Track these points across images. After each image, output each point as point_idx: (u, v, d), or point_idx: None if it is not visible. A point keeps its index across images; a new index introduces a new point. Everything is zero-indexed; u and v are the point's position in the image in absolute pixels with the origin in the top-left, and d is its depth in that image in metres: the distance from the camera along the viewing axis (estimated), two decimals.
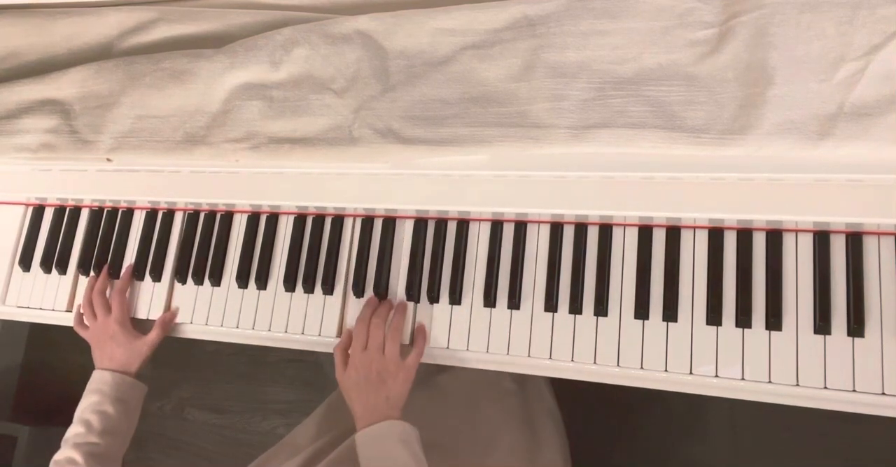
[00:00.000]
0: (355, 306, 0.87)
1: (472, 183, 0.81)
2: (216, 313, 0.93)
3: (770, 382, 0.72)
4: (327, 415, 0.96)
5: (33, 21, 0.99)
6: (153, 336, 0.92)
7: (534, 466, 0.90)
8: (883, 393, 0.69)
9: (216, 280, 0.94)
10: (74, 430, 0.85)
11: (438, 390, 0.97)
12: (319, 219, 0.92)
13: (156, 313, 0.95)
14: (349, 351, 0.81)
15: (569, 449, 1.02)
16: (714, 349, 0.74)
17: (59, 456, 0.83)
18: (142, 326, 0.95)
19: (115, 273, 0.99)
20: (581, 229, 0.81)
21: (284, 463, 0.82)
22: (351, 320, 0.87)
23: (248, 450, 1.87)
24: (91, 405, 0.87)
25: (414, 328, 0.84)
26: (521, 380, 1.02)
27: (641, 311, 0.77)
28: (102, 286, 0.95)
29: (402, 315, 0.83)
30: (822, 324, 0.71)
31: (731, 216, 0.75)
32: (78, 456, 0.81)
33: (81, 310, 0.97)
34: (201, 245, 0.96)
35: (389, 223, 0.88)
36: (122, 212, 1.01)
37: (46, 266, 1.02)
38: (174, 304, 0.95)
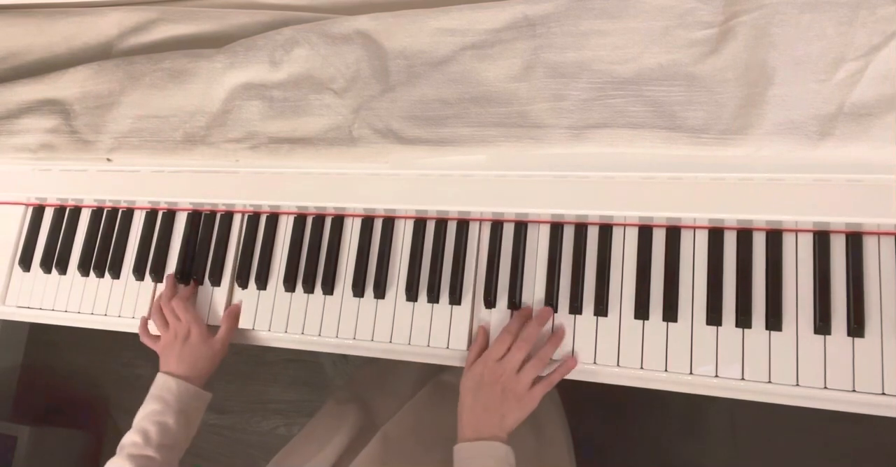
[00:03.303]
0: (354, 306, 0.87)
1: (472, 183, 0.81)
2: (216, 314, 0.93)
3: (770, 382, 0.72)
4: (339, 410, 0.96)
5: (33, 21, 0.99)
6: (223, 330, 0.90)
7: (539, 464, 0.90)
8: (883, 393, 0.69)
9: (216, 280, 0.94)
10: (131, 438, 0.82)
11: (442, 389, 0.96)
12: (319, 219, 0.92)
13: None
14: (484, 354, 0.78)
15: (573, 447, 1.02)
16: (714, 349, 0.74)
17: (112, 463, 0.80)
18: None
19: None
20: (581, 229, 0.81)
21: (312, 459, 0.81)
22: (348, 320, 0.87)
23: (248, 450, 1.87)
24: (151, 414, 0.84)
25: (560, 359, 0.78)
26: None
27: (641, 311, 0.77)
28: (171, 294, 0.92)
29: (554, 346, 0.78)
30: (822, 324, 0.71)
31: (731, 216, 0.75)
32: None
33: (149, 319, 0.94)
34: (201, 245, 0.96)
35: (389, 223, 0.88)
36: (122, 212, 1.01)
37: (46, 266, 1.02)
38: None
